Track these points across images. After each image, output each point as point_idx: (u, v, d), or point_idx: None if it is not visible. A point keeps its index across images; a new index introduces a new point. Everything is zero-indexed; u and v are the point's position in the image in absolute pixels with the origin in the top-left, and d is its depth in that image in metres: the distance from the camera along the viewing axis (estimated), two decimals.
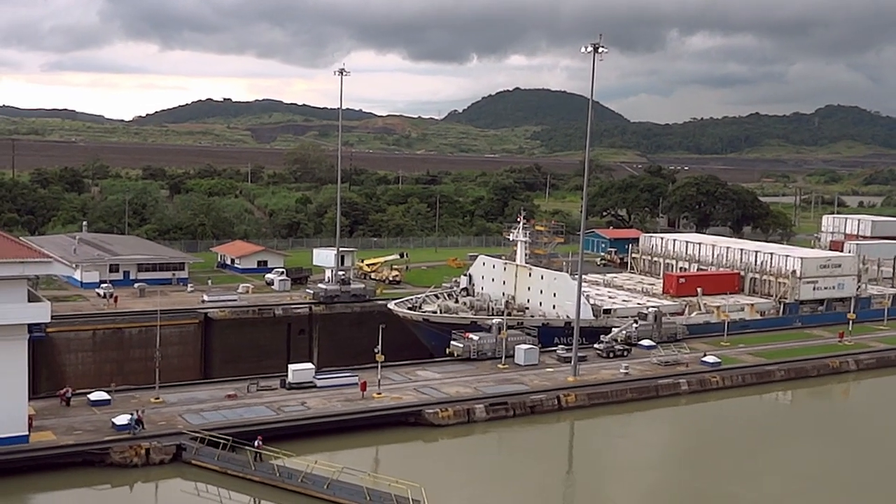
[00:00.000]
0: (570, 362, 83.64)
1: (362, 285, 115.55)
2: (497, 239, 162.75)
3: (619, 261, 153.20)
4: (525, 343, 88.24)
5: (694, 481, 63.51)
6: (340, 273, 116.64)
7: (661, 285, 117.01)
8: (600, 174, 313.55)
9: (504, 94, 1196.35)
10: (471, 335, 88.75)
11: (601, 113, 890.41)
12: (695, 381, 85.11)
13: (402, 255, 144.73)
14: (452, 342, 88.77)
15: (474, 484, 60.74)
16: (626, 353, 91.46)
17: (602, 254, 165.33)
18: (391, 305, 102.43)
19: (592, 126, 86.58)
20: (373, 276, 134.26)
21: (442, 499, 54.03)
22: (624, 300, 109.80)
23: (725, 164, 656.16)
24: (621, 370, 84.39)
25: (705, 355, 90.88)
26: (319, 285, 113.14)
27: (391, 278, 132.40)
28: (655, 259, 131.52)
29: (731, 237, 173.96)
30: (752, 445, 71.82)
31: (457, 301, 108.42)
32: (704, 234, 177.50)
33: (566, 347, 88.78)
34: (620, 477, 64.33)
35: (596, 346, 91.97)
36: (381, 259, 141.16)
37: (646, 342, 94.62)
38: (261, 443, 59.05)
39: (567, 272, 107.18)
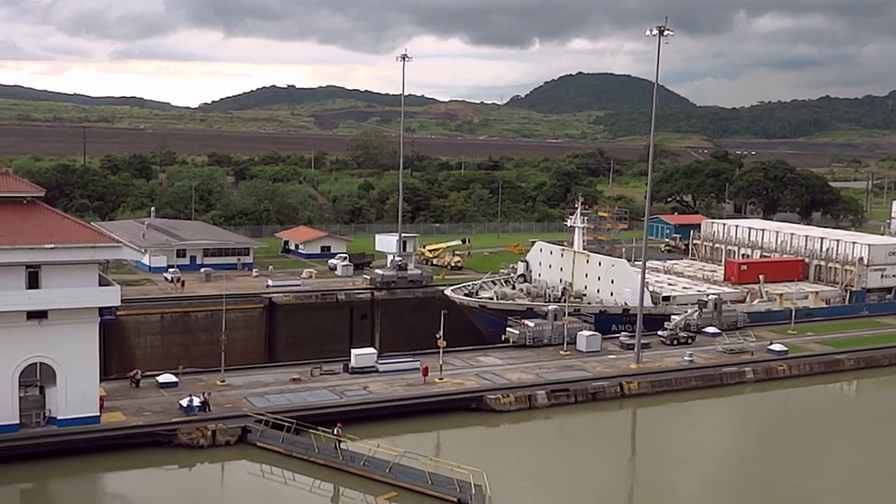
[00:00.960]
0: (633, 349, 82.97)
1: (419, 271, 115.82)
2: (559, 225, 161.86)
3: (683, 247, 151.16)
4: (582, 330, 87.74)
5: (757, 471, 62.54)
6: (398, 259, 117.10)
7: (723, 272, 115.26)
8: (665, 159, 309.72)
9: (567, 79, 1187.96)
10: (527, 322, 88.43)
11: (666, 97, 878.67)
12: (761, 369, 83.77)
13: (463, 241, 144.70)
14: (508, 329, 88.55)
15: (535, 470, 60.67)
16: (690, 341, 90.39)
17: (666, 240, 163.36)
18: (448, 292, 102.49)
19: (657, 110, 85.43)
20: (434, 261, 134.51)
21: (503, 484, 54.08)
22: (684, 287, 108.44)
23: (794, 149, 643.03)
24: (685, 357, 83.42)
25: (771, 343, 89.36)
26: (377, 271, 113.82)
27: (453, 264, 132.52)
28: (717, 246, 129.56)
29: (799, 223, 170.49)
30: (818, 436, 70.56)
31: (514, 287, 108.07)
32: (772, 220, 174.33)
33: (629, 334, 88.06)
34: (683, 466, 63.67)
35: (659, 333, 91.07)
36: (443, 245, 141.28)
37: (710, 329, 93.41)
38: (340, 430, 59.03)
39: (631, 258, 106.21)
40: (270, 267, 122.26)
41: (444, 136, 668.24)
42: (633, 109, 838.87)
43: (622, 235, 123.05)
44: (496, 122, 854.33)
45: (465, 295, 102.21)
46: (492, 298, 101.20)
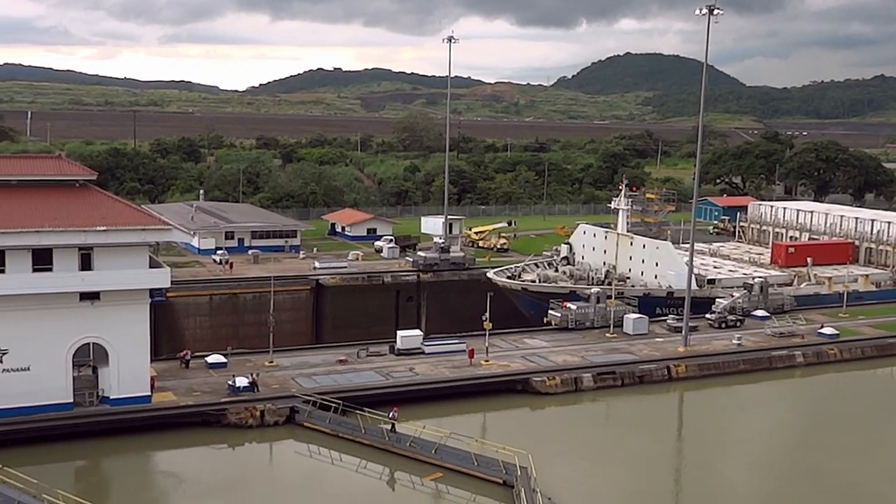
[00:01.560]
0: (681, 332, 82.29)
1: (462, 253, 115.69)
2: (605, 207, 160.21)
3: (732, 229, 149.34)
4: (626, 313, 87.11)
5: (805, 456, 61.88)
6: (440, 241, 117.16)
7: (770, 255, 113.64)
8: (714, 140, 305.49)
9: (614, 60, 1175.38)
10: (569, 304, 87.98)
11: (715, 77, 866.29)
12: (811, 353, 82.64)
13: (509, 223, 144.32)
14: (550, 311, 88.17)
15: (581, 453, 60.57)
16: (738, 324, 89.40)
17: (715, 222, 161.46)
18: (490, 274, 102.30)
19: (706, 91, 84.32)
20: (480, 244, 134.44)
21: (549, 466, 54.06)
22: (730, 270, 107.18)
23: (847, 129, 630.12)
24: (734, 341, 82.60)
25: (822, 327, 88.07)
26: (419, 253, 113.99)
27: (499, 246, 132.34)
28: (764, 228, 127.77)
29: (851, 205, 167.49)
30: (868, 420, 69.49)
31: (556, 270, 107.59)
32: (823, 202, 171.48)
33: (677, 317, 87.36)
34: (731, 450, 63.09)
35: (707, 316, 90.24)
36: (489, 227, 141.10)
37: (759, 313, 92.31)
38: (396, 414, 59.09)
39: (678, 241, 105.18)
40: (315, 249, 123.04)
41: (491, 118, 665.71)
42: (682, 90, 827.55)
43: (670, 217, 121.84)
44: (543, 104, 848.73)
45: (508, 277, 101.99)
46: (534, 281, 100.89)
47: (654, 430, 66.24)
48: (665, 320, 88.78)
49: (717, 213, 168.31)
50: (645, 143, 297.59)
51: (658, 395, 73.80)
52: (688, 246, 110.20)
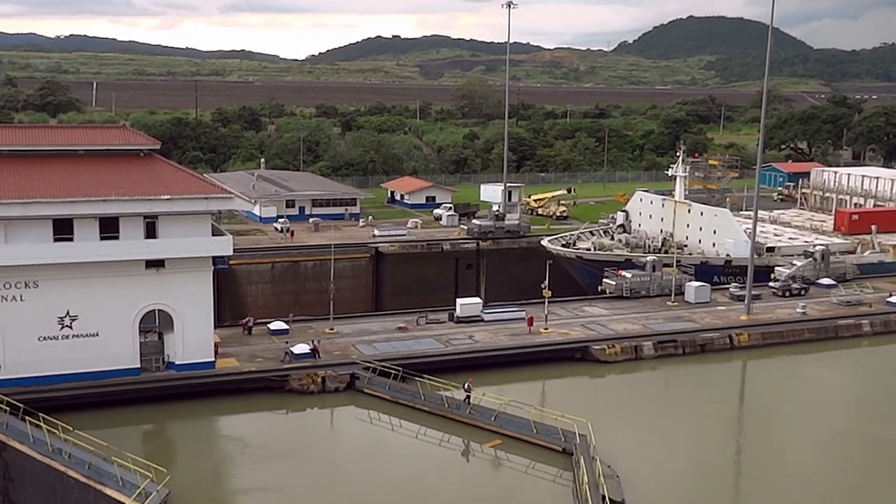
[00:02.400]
0: (743, 300, 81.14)
1: (517, 221, 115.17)
2: (667, 174, 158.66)
3: (797, 196, 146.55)
4: (683, 281, 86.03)
5: (868, 426, 60.71)
6: (495, 209, 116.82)
7: (832, 222, 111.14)
8: (779, 105, 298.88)
9: (677, 23, 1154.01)
10: (624, 273, 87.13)
11: (781, 40, 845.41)
12: (879, 322, 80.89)
13: (569, 191, 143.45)
14: (605, 279, 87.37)
15: (641, 421, 60.25)
16: (803, 293, 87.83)
17: (780, 189, 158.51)
18: (545, 242, 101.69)
19: (771, 54, 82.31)
20: (540, 211, 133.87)
21: (608, 435, 53.92)
22: (790, 238, 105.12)
23: None
24: (798, 309, 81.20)
25: (891, 295, 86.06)
26: (474, 221, 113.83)
27: (558, 214, 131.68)
28: (827, 195, 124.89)
29: None
30: None
31: (612, 238, 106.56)
32: (893, 167, 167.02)
33: (739, 285, 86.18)
34: (794, 421, 62.18)
35: (771, 284, 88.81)
36: (549, 194, 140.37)
37: (825, 281, 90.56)
38: (471, 385, 58.60)
39: (742, 208, 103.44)
40: (370, 217, 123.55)
41: (550, 85, 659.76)
42: (746, 54, 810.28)
43: (733, 184, 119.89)
44: (603, 70, 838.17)
45: (562, 246, 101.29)
46: (589, 249, 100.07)
47: (716, 399, 65.60)
48: (727, 288, 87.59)
49: (781, 180, 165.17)
50: (707, 108, 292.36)
51: (720, 364, 73.00)
52: (747, 213, 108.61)
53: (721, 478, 52.59)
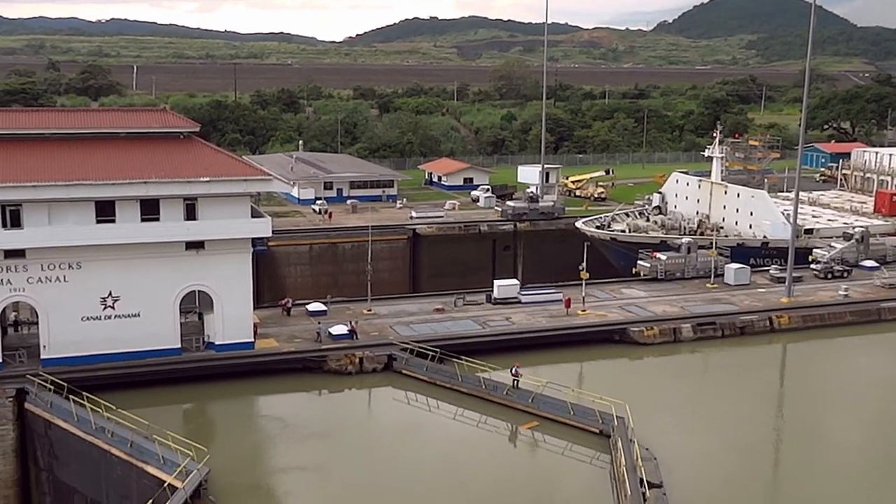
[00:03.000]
0: (784, 283, 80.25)
1: (551, 203, 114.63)
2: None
3: (840, 176, 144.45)
4: (718, 263, 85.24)
5: None
6: (530, 191, 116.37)
7: (873, 204, 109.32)
8: (822, 84, 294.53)
9: (717, 2, 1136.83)
10: (658, 254, 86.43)
11: (824, 18, 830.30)
12: None
13: (607, 172, 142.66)
14: (639, 262, 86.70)
15: (679, 404, 59.96)
16: (845, 275, 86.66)
17: (822, 170, 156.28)
18: (579, 224, 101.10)
19: (814, 32, 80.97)
20: (577, 193, 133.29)
21: (646, 417, 53.69)
22: (829, 220, 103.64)
23: None
24: (840, 292, 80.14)
25: None
26: (508, 203, 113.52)
27: (596, 195, 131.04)
28: (868, 176, 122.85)
29: None
30: None
31: (647, 220, 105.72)
32: None
33: (780, 267, 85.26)
34: (835, 405, 61.53)
35: (812, 266, 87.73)
36: (587, 176, 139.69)
37: (868, 263, 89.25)
38: (518, 369, 58.11)
39: (783, 189, 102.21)
40: (404, 199, 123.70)
41: (588, 65, 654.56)
42: (788, 32, 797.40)
43: (774, 165, 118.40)
44: (642, 49, 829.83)
45: (597, 227, 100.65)
46: (623, 231, 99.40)
47: (755, 382, 65.04)
48: (767, 271, 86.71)
49: (824, 161, 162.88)
50: (748, 88, 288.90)
51: (759, 346, 72.29)
52: (785, 195, 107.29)
53: (760, 461, 52.20)
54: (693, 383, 65.33)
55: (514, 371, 58.03)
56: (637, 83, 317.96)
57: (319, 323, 66.93)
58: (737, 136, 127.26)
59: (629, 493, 43.43)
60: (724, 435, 55.04)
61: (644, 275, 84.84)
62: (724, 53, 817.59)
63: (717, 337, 72.00)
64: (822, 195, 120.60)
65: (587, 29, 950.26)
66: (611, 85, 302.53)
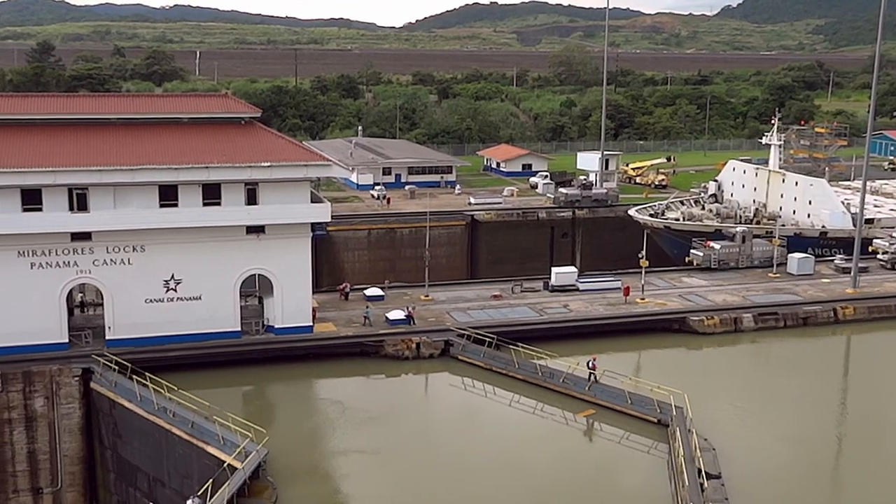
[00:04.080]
0: (850, 273, 78.56)
1: (604, 190, 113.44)
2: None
3: None
4: (774, 253, 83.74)
5: None
6: (583, 178, 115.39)
7: None
8: (893, 70, 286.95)
9: None
10: (712, 244, 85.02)
11: (894, 2, 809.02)
12: None
13: (668, 159, 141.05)
14: (692, 251, 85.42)
15: (739, 394, 59.10)
16: None
17: (891, 157, 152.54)
18: (632, 212, 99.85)
19: (885, 16, 78.81)
20: (638, 180, 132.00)
21: (705, 407, 53.11)
22: (891, 209, 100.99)
23: None
24: None
25: None
26: (561, 190, 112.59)
27: (657, 182, 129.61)
28: None
29: None
30: None
31: (703, 208, 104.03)
32: None
33: (845, 257, 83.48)
34: None
35: (879, 256, 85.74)
36: (647, 163, 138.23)
37: None
38: (595, 362, 57.35)
39: (850, 177, 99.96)
40: (457, 186, 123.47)
41: (650, 51, 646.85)
42: (857, 17, 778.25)
43: (841, 153, 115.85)
44: (705, 35, 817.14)
45: (650, 215, 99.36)
46: (678, 219, 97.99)
47: (817, 374, 63.89)
48: (832, 260, 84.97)
49: (893, 149, 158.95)
50: (815, 74, 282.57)
51: (823, 337, 71.00)
52: (846, 183, 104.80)
53: (821, 454, 51.32)
54: (753, 374, 64.38)
55: (590, 364, 56.92)
56: (700, 69, 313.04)
57: (368, 307, 67.36)
58: (802, 123, 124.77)
59: (687, 483, 42.99)
60: (784, 426, 54.17)
61: (697, 264, 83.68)
62: (791, 39, 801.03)
63: (778, 327, 70.86)
64: (886, 184, 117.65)
65: (649, 14, 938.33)
66: (673, 71, 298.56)
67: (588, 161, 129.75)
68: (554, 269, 78.06)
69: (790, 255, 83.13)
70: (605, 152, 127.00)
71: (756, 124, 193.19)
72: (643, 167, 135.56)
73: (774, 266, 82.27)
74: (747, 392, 59.74)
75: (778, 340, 69.65)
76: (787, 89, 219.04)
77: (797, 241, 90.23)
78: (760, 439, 52.28)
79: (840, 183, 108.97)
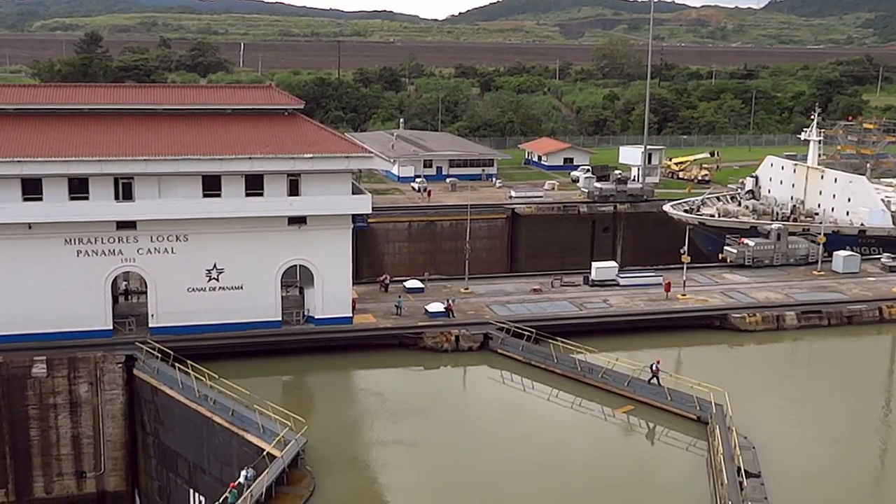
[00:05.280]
0: None
1: (640, 185, 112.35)
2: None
3: None
4: (807, 251, 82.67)
5: None
6: (617, 172, 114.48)
7: None
8: None
9: None
10: (746, 240, 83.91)
11: None
12: None
13: (712, 154, 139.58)
14: (726, 247, 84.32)
15: (781, 392, 58.48)
16: None
17: None
18: (667, 207, 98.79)
19: None
20: (681, 175, 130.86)
21: (745, 405, 52.60)
22: None
23: None
24: None
25: None
26: (595, 184, 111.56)
27: (700, 177, 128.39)
28: None
29: None
30: None
31: (739, 204, 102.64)
32: None
33: (892, 256, 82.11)
34: None
35: None
36: (691, 157, 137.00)
37: None
38: (659, 365, 56.03)
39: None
40: (503, 178, 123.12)
41: (695, 44, 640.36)
42: None
43: (890, 149, 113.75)
44: (752, 28, 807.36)
45: (685, 211, 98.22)
46: (713, 215, 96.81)
47: (861, 373, 62.88)
48: (878, 259, 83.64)
49: None
50: (864, 68, 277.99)
51: (867, 337, 69.90)
52: (890, 180, 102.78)
53: (862, 455, 50.57)
54: (795, 372, 63.65)
55: (654, 367, 55.76)
56: (745, 63, 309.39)
57: (400, 297, 67.71)
58: (850, 118, 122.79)
59: (726, 481, 42.67)
60: (826, 426, 53.52)
61: (730, 261, 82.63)
62: (839, 32, 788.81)
63: (822, 326, 69.93)
64: None
65: (695, 7, 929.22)
66: (718, 65, 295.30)
67: (631, 155, 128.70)
68: (594, 264, 77.66)
69: (835, 252, 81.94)
70: (648, 147, 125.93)
71: (802, 119, 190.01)
72: (686, 162, 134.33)
73: (819, 263, 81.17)
74: (789, 391, 59.08)
75: (821, 339, 68.75)
76: (834, 84, 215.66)
77: (835, 239, 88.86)
78: (801, 438, 51.72)
79: (882, 180, 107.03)
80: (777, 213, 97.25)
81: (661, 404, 53.87)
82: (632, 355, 59.00)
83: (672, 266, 77.97)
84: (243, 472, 43.29)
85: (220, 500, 42.11)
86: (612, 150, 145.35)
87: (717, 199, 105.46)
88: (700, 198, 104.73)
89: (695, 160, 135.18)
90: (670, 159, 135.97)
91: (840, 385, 60.14)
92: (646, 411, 53.91)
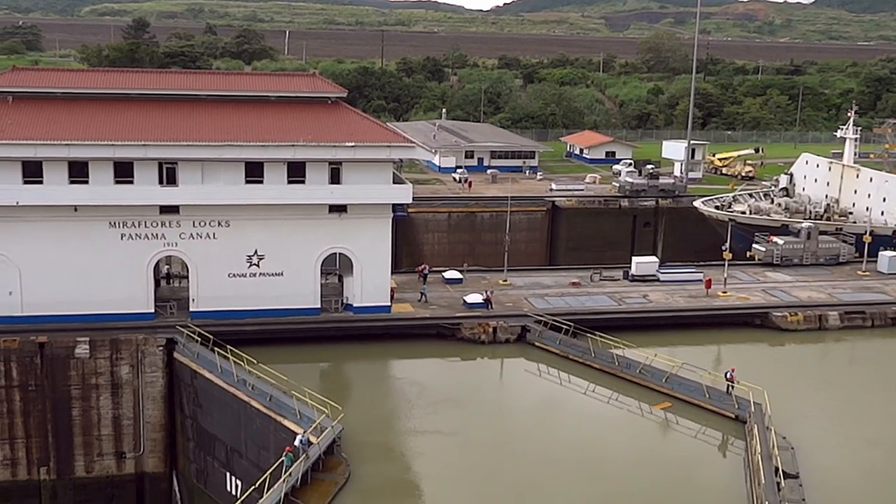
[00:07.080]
0: None
1: (672, 181, 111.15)
2: (866, 135, 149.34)
3: None
4: (840, 250, 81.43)
5: None
6: (649, 167, 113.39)
7: None
8: None
9: None
10: (775, 239, 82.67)
11: None
12: None
13: (756, 150, 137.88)
14: (754, 245, 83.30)
15: (821, 393, 57.79)
16: None
17: None
18: (697, 203, 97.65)
19: None
20: (724, 170, 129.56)
21: (785, 405, 51.98)
22: None
23: None
24: None
25: None
26: (626, 178, 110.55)
27: (744, 174, 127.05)
28: None
29: None
30: None
31: (772, 202, 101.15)
32: None
33: None
34: None
35: None
36: (735, 153, 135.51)
37: None
38: (734, 373, 53.44)
39: None
40: (537, 172, 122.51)
41: (742, 39, 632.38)
42: None
43: None
44: (800, 23, 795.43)
45: (716, 207, 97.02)
46: (744, 212, 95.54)
47: None
48: None
49: None
50: None
51: None
52: None
53: None
54: (836, 373, 62.82)
55: (728, 376, 54.07)
56: (793, 58, 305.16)
57: (424, 286, 67.88)
58: None
59: (763, 481, 42.23)
60: (866, 428, 52.74)
61: (759, 259, 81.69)
62: (891, 29, 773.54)
63: (865, 327, 68.95)
64: None
65: (742, 1, 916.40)
66: (765, 60, 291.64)
67: (674, 150, 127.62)
68: (634, 259, 77.22)
69: (881, 252, 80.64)
70: (692, 142, 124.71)
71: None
72: (730, 158, 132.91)
73: (864, 263, 79.97)
74: (829, 391, 58.34)
75: (864, 340, 67.78)
76: (884, 81, 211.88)
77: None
78: (841, 440, 51.03)
79: None
80: (810, 212, 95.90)
81: (698, 401, 53.46)
82: (670, 352, 58.57)
83: (713, 262, 77.22)
84: (298, 437, 44.14)
85: (276, 463, 43.08)
86: (656, 144, 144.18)
87: (750, 195, 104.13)
88: (731, 194, 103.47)
89: (739, 156, 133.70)
90: (714, 155, 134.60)
91: (882, 387, 59.21)
92: (684, 408, 53.51)
